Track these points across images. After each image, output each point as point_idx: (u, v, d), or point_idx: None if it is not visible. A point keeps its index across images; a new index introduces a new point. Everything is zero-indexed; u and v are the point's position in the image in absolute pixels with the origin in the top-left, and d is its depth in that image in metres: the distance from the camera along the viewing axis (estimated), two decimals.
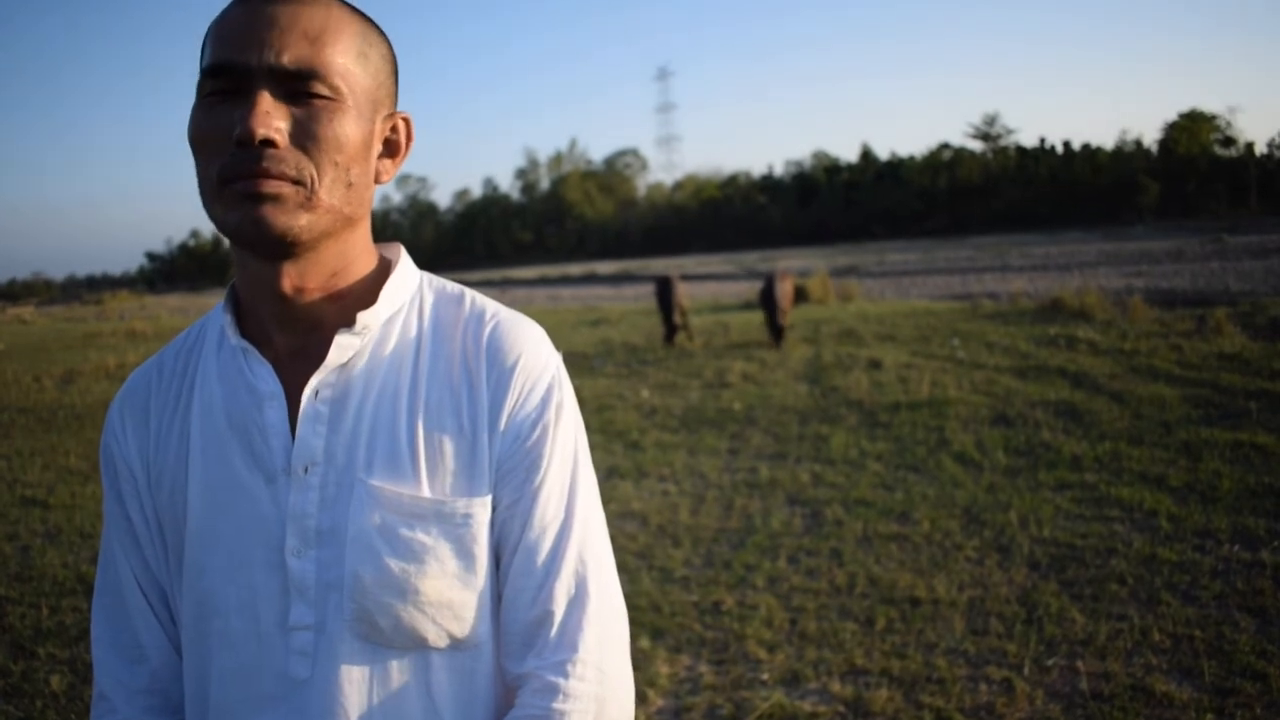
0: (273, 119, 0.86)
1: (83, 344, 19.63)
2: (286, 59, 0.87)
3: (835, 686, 3.45)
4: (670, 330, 13.45)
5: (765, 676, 3.56)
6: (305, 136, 0.88)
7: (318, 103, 0.89)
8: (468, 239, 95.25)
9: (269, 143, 0.86)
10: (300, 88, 0.88)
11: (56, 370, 14.42)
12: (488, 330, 1.01)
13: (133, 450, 1.04)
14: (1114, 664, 3.47)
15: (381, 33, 0.98)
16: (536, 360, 1.00)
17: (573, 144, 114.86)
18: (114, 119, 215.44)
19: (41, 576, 5.05)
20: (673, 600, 4.32)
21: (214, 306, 1.06)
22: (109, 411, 1.08)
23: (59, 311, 42.64)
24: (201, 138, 0.89)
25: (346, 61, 0.91)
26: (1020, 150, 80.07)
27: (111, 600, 1.06)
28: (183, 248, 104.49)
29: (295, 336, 0.99)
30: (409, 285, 1.03)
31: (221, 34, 0.89)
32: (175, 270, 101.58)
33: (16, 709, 3.63)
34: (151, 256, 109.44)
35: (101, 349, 17.67)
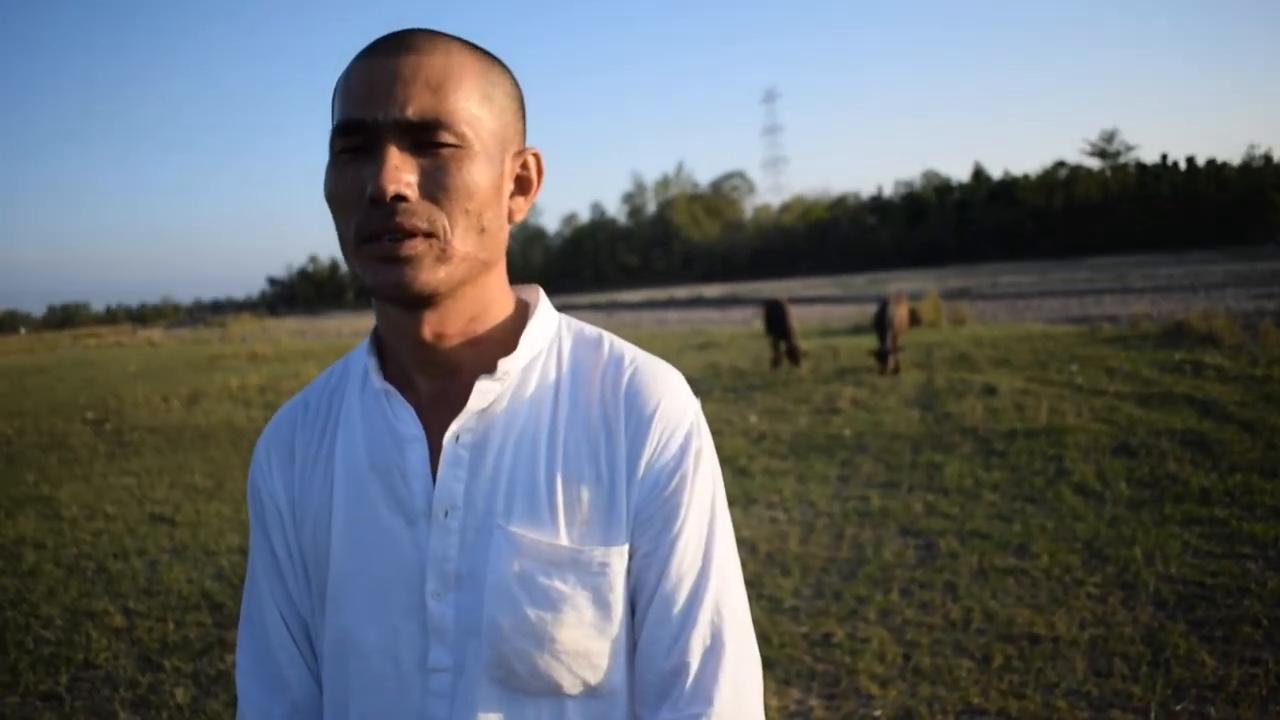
0: (402, 174, 0.87)
1: (207, 366, 20.42)
2: (411, 112, 0.88)
3: None
4: (778, 355, 13.37)
5: (878, 713, 3.49)
6: (435, 187, 0.89)
7: (445, 152, 0.89)
8: (575, 263, 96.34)
9: (400, 197, 0.88)
10: (427, 138, 0.89)
11: (183, 391, 15.02)
12: (626, 376, 1.01)
13: (278, 487, 1.07)
14: (1247, 711, 3.31)
15: (505, 69, 0.99)
16: (675, 408, 1.00)
17: (679, 167, 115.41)
18: (235, 149, 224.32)
19: (168, 591, 5.24)
20: (782, 631, 4.28)
21: (331, 337, 1.08)
22: (256, 448, 1.11)
23: (185, 334, 44.51)
24: (336, 196, 0.92)
25: (470, 106, 0.91)
26: (1140, 167, 77.63)
27: (255, 630, 1.10)
28: (301, 272, 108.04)
29: (436, 381, 1.00)
30: (548, 329, 1.05)
31: (348, 91, 0.91)
32: (295, 294, 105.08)
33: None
34: (272, 281, 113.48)
35: (225, 371, 18.37)
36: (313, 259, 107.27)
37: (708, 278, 78.91)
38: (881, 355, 12.02)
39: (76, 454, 10.08)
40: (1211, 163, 74.57)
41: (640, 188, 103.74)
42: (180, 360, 23.44)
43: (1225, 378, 9.95)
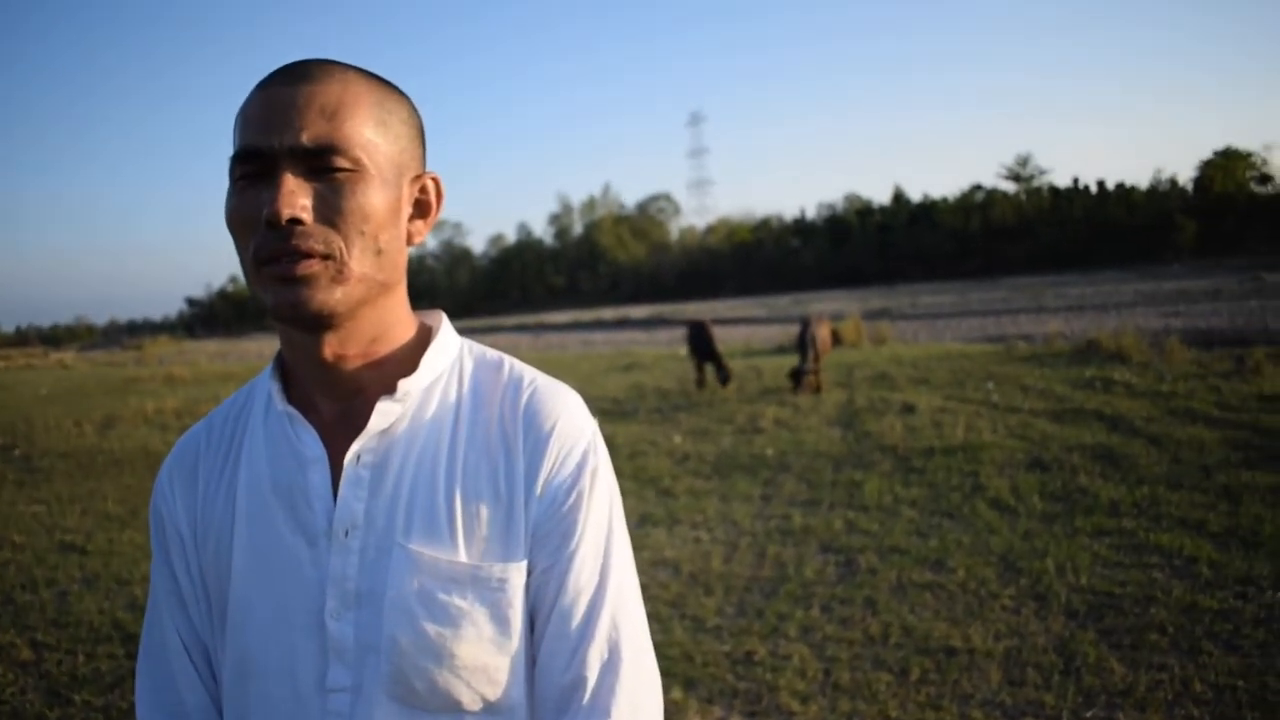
0: (297, 198, 0.90)
1: (123, 389, 19.89)
2: (305, 138, 0.91)
3: None
4: (702, 375, 13.45)
5: None
6: (330, 210, 0.91)
7: (340, 176, 0.92)
8: (502, 284, 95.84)
9: (296, 221, 0.90)
10: (321, 164, 0.91)
11: (96, 415, 14.62)
12: (525, 397, 1.03)
13: (180, 512, 1.08)
14: (1154, 715, 3.41)
15: (402, 96, 1.01)
16: (572, 427, 1.03)
17: (606, 189, 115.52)
18: (156, 168, 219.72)
19: (78, 623, 5.10)
20: (705, 650, 4.30)
21: (247, 359, 1.09)
22: (159, 474, 1.12)
23: (100, 356, 43.29)
24: (236, 221, 0.94)
25: (365, 132, 0.94)
26: (1054, 190, 79.62)
27: (156, 659, 1.10)
28: (221, 293, 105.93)
29: (338, 402, 1.02)
30: (449, 352, 1.07)
31: (246, 120, 0.93)
32: (214, 315, 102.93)
33: None
34: (191, 302, 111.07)
35: (141, 394, 17.90)
36: (233, 279, 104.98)
37: (634, 298, 79.02)
38: (796, 374, 12.13)
39: None
40: (1120, 186, 76.79)
41: (567, 209, 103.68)
42: (94, 383, 22.80)
43: (1133, 393, 10.25)
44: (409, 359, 1.03)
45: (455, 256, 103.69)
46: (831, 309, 29.24)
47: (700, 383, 13.44)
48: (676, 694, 3.86)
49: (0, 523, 7.71)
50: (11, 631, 5.01)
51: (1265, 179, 69.73)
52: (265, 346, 41.70)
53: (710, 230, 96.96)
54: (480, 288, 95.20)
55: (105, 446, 11.49)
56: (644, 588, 5.09)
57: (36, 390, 21.33)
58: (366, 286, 0.95)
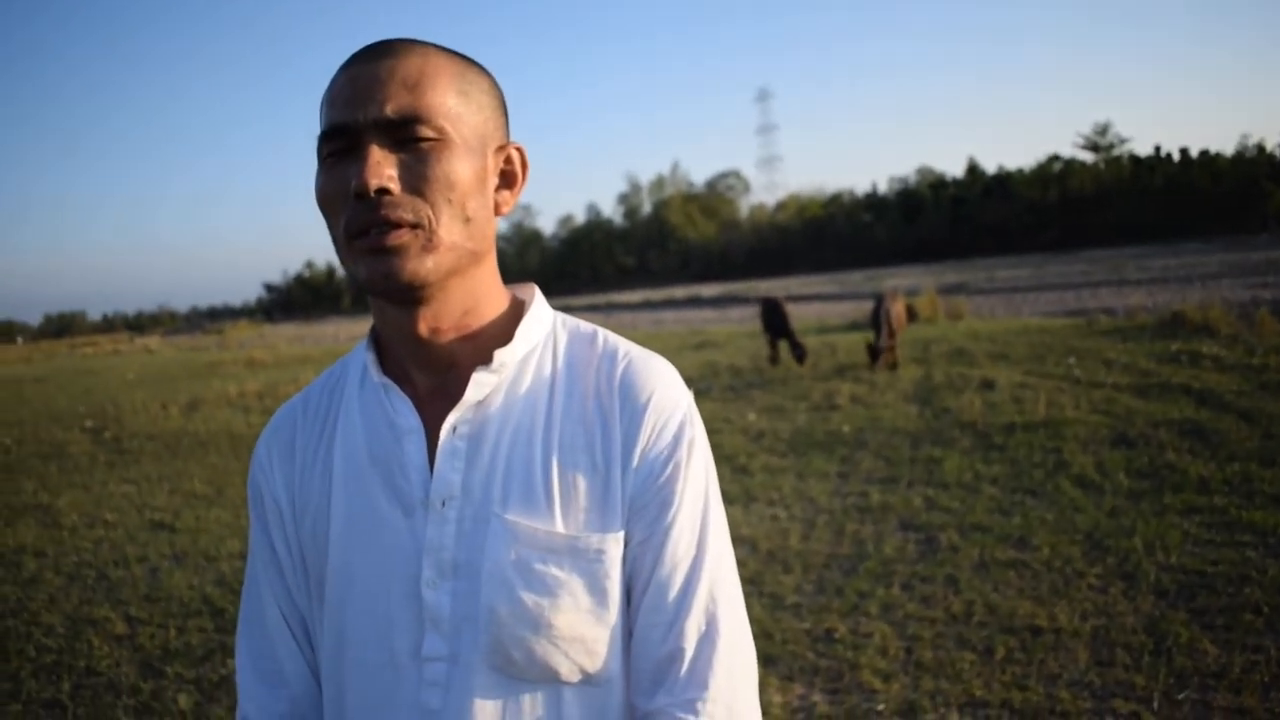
0: (384, 168, 0.90)
1: (205, 373, 20.41)
2: (389, 109, 0.91)
3: (954, 718, 3.37)
4: (775, 353, 13.38)
5: (881, 707, 3.50)
6: (417, 179, 0.92)
7: (424, 145, 0.92)
8: (572, 264, 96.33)
9: (384, 191, 0.90)
10: (406, 134, 0.92)
11: (181, 398, 15.02)
12: (620, 368, 1.03)
13: (279, 483, 1.09)
14: (1250, 698, 3.32)
15: (483, 70, 1.02)
16: (669, 398, 1.02)
17: (674, 167, 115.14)
18: (233, 158, 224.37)
19: (169, 598, 5.24)
20: (784, 627, 4.28)
21: (324, 341, 1.10)
22: (256, 446, 1.13)
23: (183, 341, 44.48)
24: (326, 198, 0.95)
25: (447, 101, 0.94)
26: (1134, 160, 77.65)
27: (255, 627, 1.11)
28: (298, 278, 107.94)
29: (433, 375, 1.02)
30: (544, 324, 1.07)
31: (331, 99, 0.94)
32: (291, 300, 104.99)
33: None
34: (269, 287, 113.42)
35: (223, 378, 18.36)
36: (309, 264, 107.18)
37: (704, 277, 78.92)
38: (873, 351, 11.99)
39: (76, 462, 10.08)
40: (1205, 153, 74.60)
41: (635, 188, 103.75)
42: (178, 367, 23.42)
43: (1222, 367, 9.96)
44: (503, 332, 1.03)
45: (525, 238, 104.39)
46: (905, 284, 28.87)
47: (774, 359, 13.38)
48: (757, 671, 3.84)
49: (92, 502, 7.96)
50: (106, 606, 5.18)
51: None
52: (341, 330, 42.45)
53: (780, 207, 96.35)
54: (550, 269, 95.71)
55: (190, 428, 11.79)
56: None
57: (124, 375, 21.99)
58: (457, 255, 0.95)
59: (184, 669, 4.29)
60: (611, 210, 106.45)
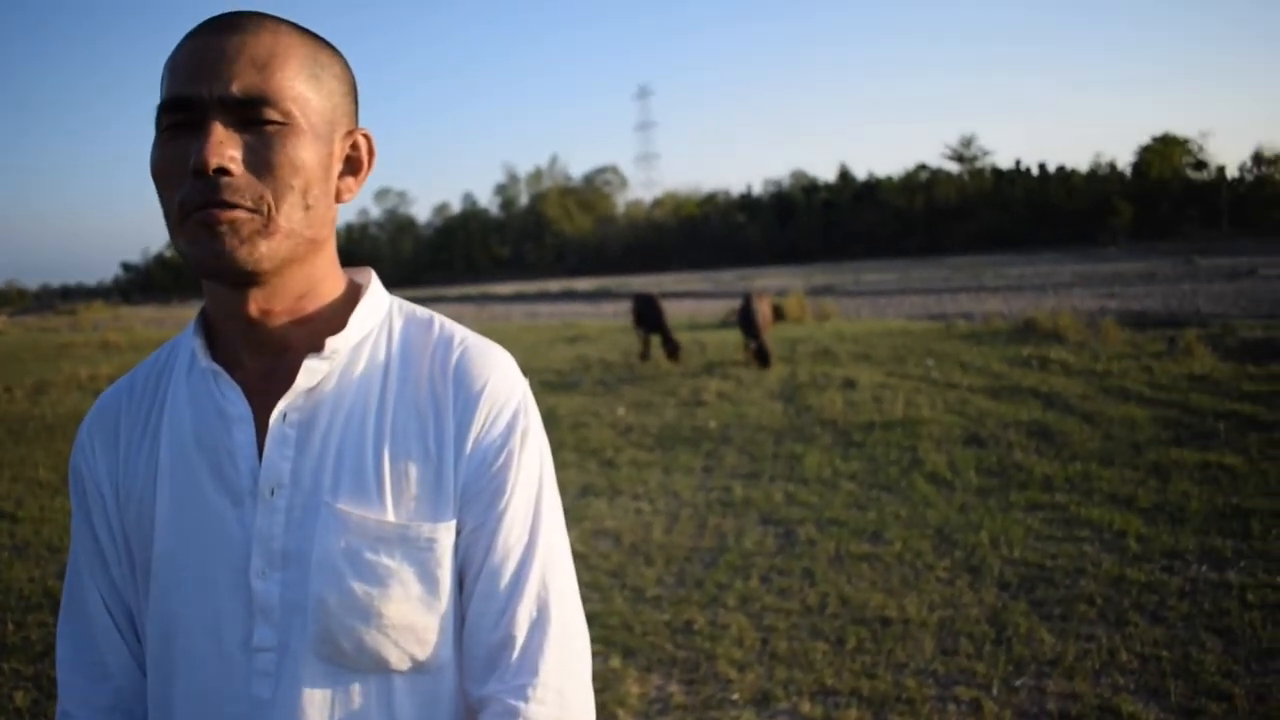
0: (226, 148, 0.87)
1: (55, 355, 19.47)
2: (236, 88, 0.88)
3: (805, 706, 3.45)
4: (646, 348, 13.47)
5: (736, 696, 3.57)
6: (259, 163, 0.89)
7: (270, 129, 0.90)
8: (446, 254, 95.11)
9: (224, 171, 0.87)
10: (252, 115, 0.89)
11: (28, 381, 14.29)
12: (455, 355, 1.02)
13: (101, 470, 1.05)
14: (1082, 684, 3.49)
15: (335, 52, 0.99)
16: (503, 386, 1.01)
17: (553, 160, 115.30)
18: (92, 127, 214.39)
19: (7, 591, 5.00)
20: (644, 619, 4.32)
21: (186, 326, 1.07)
22: (79, 431, 1.09)
23: (32, 321, 42.29)
24: (161, 170, 0.91)
25: (296, 84, 0.92)
26: (996, 172, 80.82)
27: (77, 619, 1.07)
28: (158, 258, 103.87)
29: (264, 360, 1.00)
30: (379, 310, 1.05)
31: (175, 68, 0.91)
32: (150, 281, 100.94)
33: None
34: (127, 267, 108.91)
35: (74, 360, 17.54)
36: (170, 245, 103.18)
37: (579, 271, 78.82)
38: (762, 353, 12.07)
39: None
40: (1061, 169, 78.15)
41: (513, 179, 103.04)
42: (26, 349, 22.27)
43: (1069, 372, 10.45)
44: (337, 317, 1.01)
45: (399, 225, 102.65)
46: (776, 285, 29.42)
47: (645, 355, 13.46)
48: (615, 662, 3.88)
49: None
50: None
51: (1201, 165, 71.25)
52: None
53: (657, 204, 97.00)
54: (424, 257, 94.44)
55: (36, 413, 11.25)
56: (584, 558, 5.12)
57: None
58: (294, 242, 0.93)
59: (21, 665, 4.09)
60: (488, 200, 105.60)
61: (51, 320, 42.33)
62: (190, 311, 44.04)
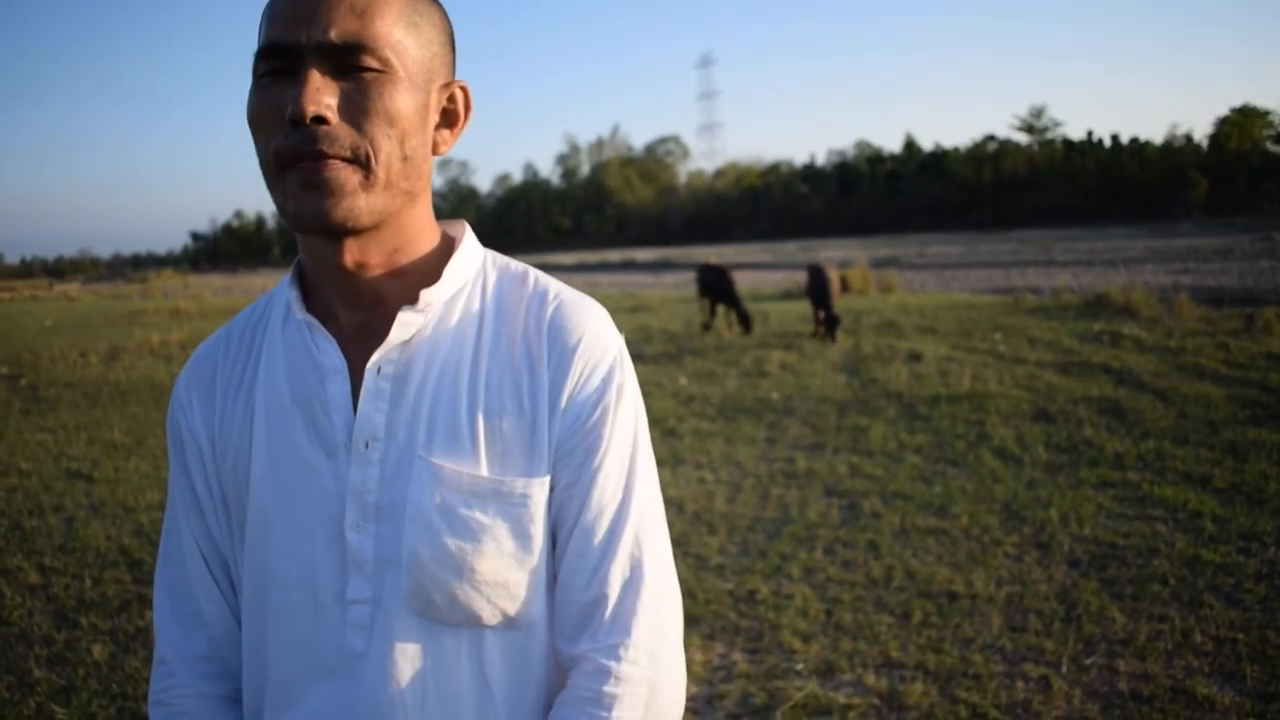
0: (323, 95, 0.86)
1: (127, 321, 19.91)
2: (334, 34, 0.87)
3: (870, 679, 3.43)
4: (710, 319, 13.41)
5: (799, 667, 3.56)
6: (357, 111, 0.88)
7: (368, 76, 0.89)
8: (508, 224, 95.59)
9: (321, 119, 0.87)
10: (350, 62, 0.88)
11: (101, 347, 14.63)
12: (550, 310, 1.00)
13: (198, 422, 1.06)
14: (1154, 665, 3.43)
15: (434, 1, 0.98)
16: (599, 341, 1.00)
17: (614, 130, 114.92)
18: (162, 102, 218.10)
19: (85, 548, 5.13)
20: (708, 588, 4.32)
21: (257, 291, 1.06)
22: (176, 384, 1.10)
23: (105, 289, 43.31)
24: (258, 118, 0.90)
25: (395, 32, 0.90)
26: (1067, 143, 79.08)
27: (174, 568, 1.09)
28: (226, 228, 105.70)
29: (359, 312, 0.99)
30: (473, 263, 1.04)
31: (273, 14, 0.90)
32: (219, 250, 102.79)
33: (59, 677, 3.70)
34: (196, 236, 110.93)
35: (146, 327, 17.92)
36: (238, 214, 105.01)
37: (640, 242, 78.81)
38: (832, 323, 11.87)
39: None
40: (1135, 141, 76.24)
41: (574, 149, 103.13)
42: (99, 315, 22.80)
43: (1141, 348, 10.22)
44: (432, 270, 1.00)
45: (461, 195, 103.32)
46: (839, 256, 29.15)
47: (707, 326, 13.41)
48: None
49: (7, 450, 7.75)
50: (19, 556, 5.05)
51: None
52: (270, 281, 41.64)
53: (719, 174, 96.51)
54: (485, 228, 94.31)
55: (111, 377, 11.51)
56: None
57: (42, 321, 21.37)
58: (392, 195, 0.92)
59: (99, 620, 4.21)
60: (549, 171, 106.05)
61: (123, 288, 43.30)
62: (256, 280, 44.81)
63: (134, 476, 6.67)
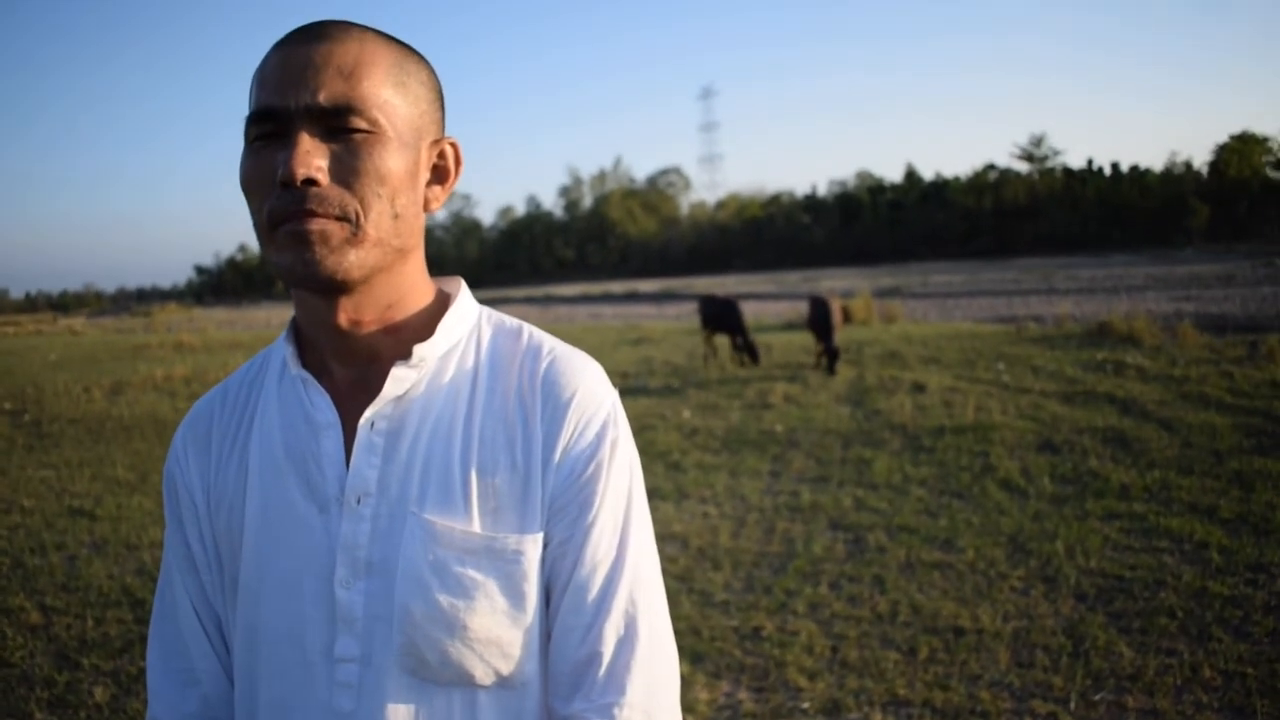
0: (313, 158, 0.87)
1: (131, 356, 19.92)
2: (322, 97, 0.88)
3: (877, 717, 3.40)
4: (711, 350, 13.41)
5: (806, 705, 3.53)
6: (347, 172, 0.89)
7: (357, 137, 0.90)
8: (511, 256, 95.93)
9: (311, 182, 0.87)
10: (339, 124, 0.89)
11: (105, 381, 14.64)
12: (544, 365, 1.00)
13: (194, 476, 1.06)
14: (1163, 700, 3.40)
15: (421, 59, 0.99)
16: (592, 397, 1.00)
17: (616, 162, 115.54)
18: (157, 137, 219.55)
19: (87, 587, 5.11)
20: (712, 624, 4.30)
21: (258, 326, 1.07)
22: (174, 438, 1.10)
23: (109, 323, 43.39)
24: (250, 182, 0.91)
25: (383, 92, 0.91)
26: (1067, 171, 79.36)
27: (167, 624, 1.08)
28: (230, 262, 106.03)
29: (353, 368, 1.00)
30: (467, 319, 1.04)
31: (262, 80, 0.91)
32: (223, 284, 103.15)
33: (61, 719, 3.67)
34: (200, 270, 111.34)
35: (150, 361, 17.93)
36: (242, 248, 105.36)
37: (643, 273, 79.02)
38: (833, 355, 11.84)
39: None
40: (1135, 168, 76.49)
41: (577, 181, 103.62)
42: (103, 349, 22.84)
43: (1145, 377, 10.20)
44: (426, 325, 1.01)
45: (464, 228, 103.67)
46: (841, 286, 29.18)
47: (710, 358, 13.40)
48: (683, 668, 3.85)
49: (10, 487, 7.74)
50: (21, 595, 5.03)
51: None
52: (274, 315, 41.80)
53: (720, 205, 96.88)
54: (489, 259, 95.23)
55: (114, 412, 11.51)
56: None
57: (45, 356, 21.40)
58: (382, 251, 0.93)
59: (101, 661, 4.18)
60: (552, 203, 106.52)
61: (127, 322, 43.41)
62: (260, 314, 44.93)
63: (137, 514, 6.65)
